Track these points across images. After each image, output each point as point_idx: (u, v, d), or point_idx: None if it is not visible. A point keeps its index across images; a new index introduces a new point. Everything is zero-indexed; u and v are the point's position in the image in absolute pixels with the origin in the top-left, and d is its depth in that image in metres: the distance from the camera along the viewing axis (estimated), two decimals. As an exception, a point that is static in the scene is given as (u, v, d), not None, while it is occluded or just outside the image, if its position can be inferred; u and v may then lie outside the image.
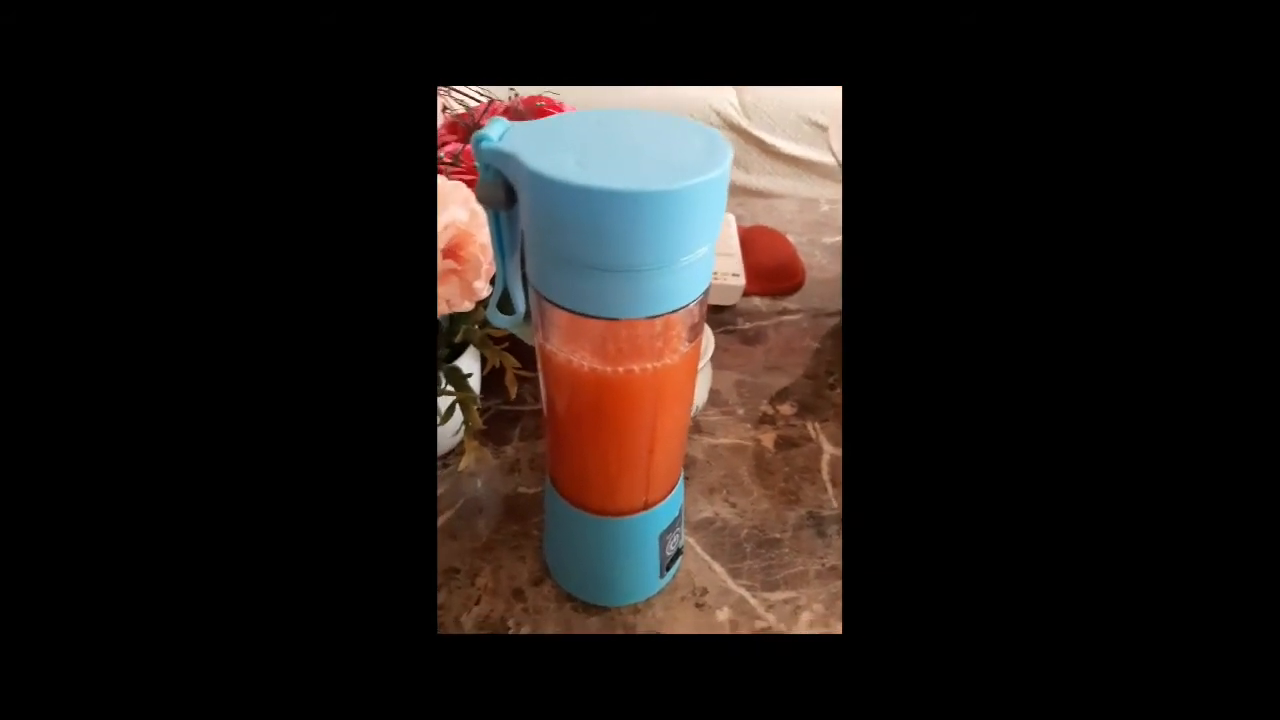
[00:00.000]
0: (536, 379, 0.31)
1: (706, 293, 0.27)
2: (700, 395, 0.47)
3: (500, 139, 0.23)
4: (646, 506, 0.33)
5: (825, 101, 1.32)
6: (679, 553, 0.37)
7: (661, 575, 0.36)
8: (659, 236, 0.22)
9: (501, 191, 0.24)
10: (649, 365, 0.27)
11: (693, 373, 0.30)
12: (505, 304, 0.29)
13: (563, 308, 0.25)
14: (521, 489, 0.43)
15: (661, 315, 0.25)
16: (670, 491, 0.34)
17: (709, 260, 0.26)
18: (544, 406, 0.31)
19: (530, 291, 0.27)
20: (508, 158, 0.23)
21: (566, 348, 0.27)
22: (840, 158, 0.49)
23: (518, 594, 0.37)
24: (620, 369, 0.27)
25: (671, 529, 0.35)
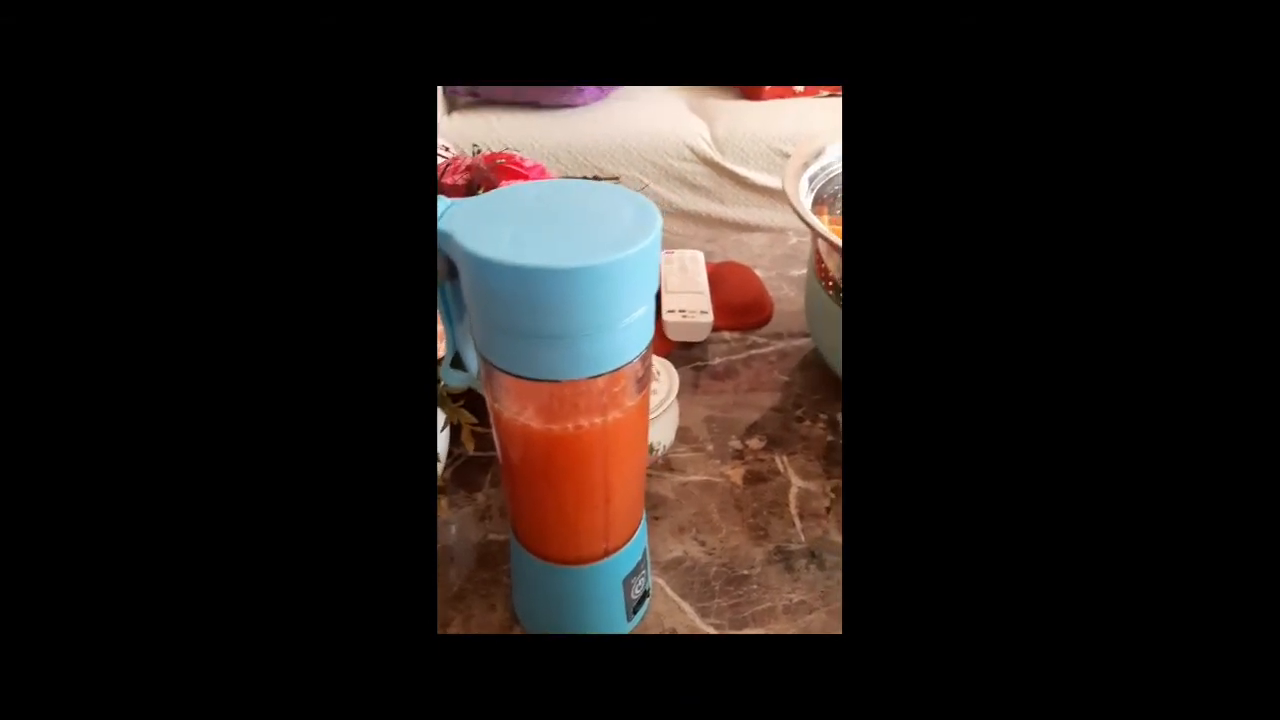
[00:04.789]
0: (494, 434, 0.32)
1: (649, 348, 0.28)
2: (667, 434, 0.48)
3: (440, 217, 0.25)
4: (607, 554, 0.33)
5: (793, 133, 1.36)
6: (645, 595, 0.38)
7: (629, 619, 0.37)
8: (593, 305, 0.24)
9: (445, 265, 0.25)
10: (597, 420, 0.28)
11: (643, 422, 0.31)
12: (458, 363, 0.30)
13: (508, 373, 0.26)
14: (492, 535, 0.43)
15: (603, 375, 0.26)
16: (631, 536, 0.34)
17: (648, 318, 0.27)
18: (500, 461, 0.32)
19: (478, 356, 0.28)
20: (447, 237, 0.24)
21: (515, 408, 0.28)
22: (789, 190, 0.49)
23: (489, 643, 0.37)
24: (569, 426, 0.28)
25: (635, 573, 0.36)
